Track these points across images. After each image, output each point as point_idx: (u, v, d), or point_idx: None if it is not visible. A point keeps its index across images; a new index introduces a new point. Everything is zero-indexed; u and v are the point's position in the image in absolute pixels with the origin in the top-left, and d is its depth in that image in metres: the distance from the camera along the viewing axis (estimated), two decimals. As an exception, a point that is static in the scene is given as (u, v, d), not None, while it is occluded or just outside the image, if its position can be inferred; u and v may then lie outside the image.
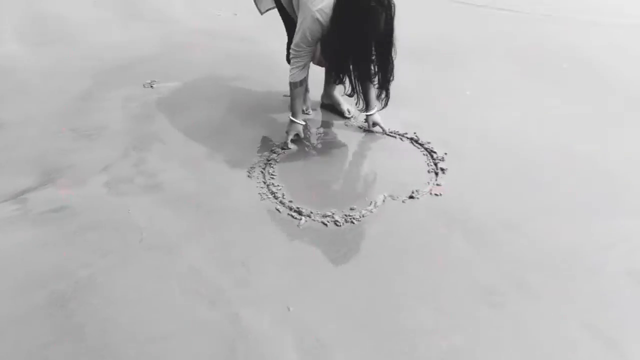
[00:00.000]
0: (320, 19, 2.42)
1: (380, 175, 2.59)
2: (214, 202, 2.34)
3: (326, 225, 2.24)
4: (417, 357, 1.67)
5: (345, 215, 2.29)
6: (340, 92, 2.96)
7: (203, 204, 2.33)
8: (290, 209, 2.33)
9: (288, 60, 2.97)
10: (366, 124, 2.93)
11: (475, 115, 3.11)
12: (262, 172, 2.57)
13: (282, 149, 2.75)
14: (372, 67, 2.52)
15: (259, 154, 2.71)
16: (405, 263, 2.04)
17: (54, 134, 2.79)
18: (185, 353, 1.66)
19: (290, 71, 2.67)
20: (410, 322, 1.79)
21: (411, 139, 2.87)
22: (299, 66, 2.63)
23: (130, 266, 1.99)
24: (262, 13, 2.96)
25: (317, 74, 3.00)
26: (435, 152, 2.74)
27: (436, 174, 2.58)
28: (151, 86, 3.33)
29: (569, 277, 2.00)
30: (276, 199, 2.39)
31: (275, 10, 2.85)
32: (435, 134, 2.88)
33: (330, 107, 3.14)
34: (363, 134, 2.92)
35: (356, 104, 2.79)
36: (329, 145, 2.81)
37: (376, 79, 2.58)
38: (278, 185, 2.48)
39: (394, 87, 2.63)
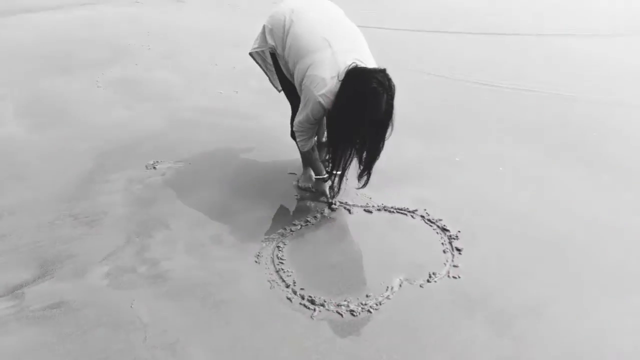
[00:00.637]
0: (323, 102, 2.44)
1: (394, 256, 2.49)
2: (221, 293, 2.22)
3: (341, 315, 2.11)
4: None
5: (361, 303, 2.17)
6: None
7: (209, 295, 2.21)
8: (302, 297, 2.21)
9: (292, 137, 2.96)
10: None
11: (483, 190, 3.05)
12: (270, 257, 2.46)
13: (330, 207, 2.84)
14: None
15: (267, 236, 2.61)
16: (428, 358, 1.90)
17: (53, 222, 2.69)
18: None
19: (298, 144, 2.75)
20: None
21: (422, 216, 2.79)
22: (306, 137, 2.69)
23: (133, 370, 1.84)
24: (279, 91, 2.98)
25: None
26: (448, 230, 2.65)
27: (452, 254, 2.48)
28: (154, 167, 3.27)
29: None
30: (287, 287, 2.27)
31: None
32: (446, 210, 2.81)
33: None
34: (371, 213, 2.83)
35: (331, 187, 2.88)
36: (337, 224, 2.73)
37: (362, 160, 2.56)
38: (288, 271, 2.36)
39: (399, 163, 2.59)
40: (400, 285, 2.28)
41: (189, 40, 6.26)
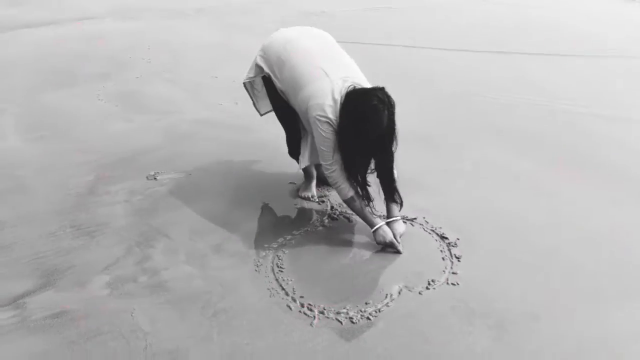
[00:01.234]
0: (330, 122, 2.47)
1: (393, 263, 2.50)
2: (221, 301, 2.23)
3: (341, 323, 2.12)
4: None
5: (361, 310, 2.18)
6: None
7: (210, 304, 2.22)
8: (302, 305, 2.22)
9: (291, 155, 3.01)
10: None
11: (482, 198, 3.07)
12: (270, 266, 2.48)
13: (400, 252, 2.55)
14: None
15: (267, 245, 2.63)
16: (428, 364, 1.91)
17: (54, 234, 2.71)
18: None
19: (339, 190, 2.60)
20: None
21: (421, 224, 2.81)
22: (343, 179, 2.57)
23: (134, 378, 1.85)
24: (261, 114, 3.07)
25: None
26: (447, 238, 2.67)
27: (451, 261, 2.50)
28: (155, 178, 3.30)
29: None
30: (287, 295, 2.28)
31: None
32: (444, 218, 2.83)
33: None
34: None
35: (367, 205, 2.64)
36: (337, 233, 2.74)
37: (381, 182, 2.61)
38: (287, 280, 2.38)
39: (400, 172, 2.62)
40: (399, 293, 2.29)
41: (189, 54, 6.34)
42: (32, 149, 3.78)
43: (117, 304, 2.22)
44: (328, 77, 2.52)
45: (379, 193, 2.65)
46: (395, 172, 2.60)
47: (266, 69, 2.76)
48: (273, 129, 3.74)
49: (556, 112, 4.43)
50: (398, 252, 2.55)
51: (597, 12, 8.66)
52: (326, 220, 2.86)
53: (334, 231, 2.77)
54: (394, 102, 2.39)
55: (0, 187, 3.22)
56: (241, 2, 9.51)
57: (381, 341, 2.03)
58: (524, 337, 2.04)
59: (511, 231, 2.74)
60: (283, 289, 2.32)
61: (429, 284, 2.34)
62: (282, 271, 2.44)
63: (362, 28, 7.51)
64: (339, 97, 2.46)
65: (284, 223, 2.85)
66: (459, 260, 2.50)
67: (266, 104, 3.04)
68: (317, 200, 3.06)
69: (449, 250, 2.58)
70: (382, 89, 2.40)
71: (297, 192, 3.13)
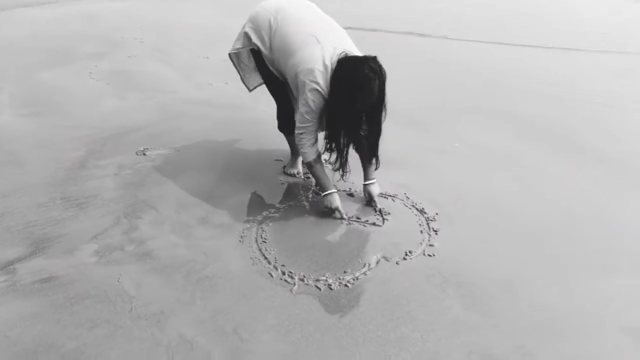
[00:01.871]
0: (321, 90, 2.49)
1: (372, 236, 2.59)
2: (204, 269, 2.32)
3: (320, 289, 2.20)
4: None
5: (339, 278, 2.26)
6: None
7: (194, 271, 2.30)
8: (283, 273, 2.30)
9: (280, 129, 3.05)
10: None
11: (464, 176, 3.15)
12: (254, 237, 2.56)
13: (344, 219, 2.69)
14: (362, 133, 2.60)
15: (251, 218, 2.71)
16: (401, 328, 2.00)
17: (44, 204, 2.78)
18: None
19: (302, 153, 2.70)
20: (408, 390, 1.74)
21: (401, 200, 2.89)
22: (310, 144, 2.66)
23: (120, 337, 1.93)
24: (250, 90, 3.08)
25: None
26: (426, 213, 2.75)
27: (429, 234, 2.58)
28: (144, 153, 3.36)
29: (568, 340, 1.97)
30: (269, 263, 2.37)
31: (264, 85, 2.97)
32: (425, 195, 2.91)
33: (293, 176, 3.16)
34: (353, 196, 2.93)
35: (342, 176, 2.74)
36: (319, 207, 2.81)
37: (366, 145, 2.65)
38: (270, 250, 2.46)
39: (383, 149, 2.69)
40: (377, 263, 2.38)
41: (181, 34, 6.37)
42: (25, 124, 3.83)
43: (104, 271, 2.30)
44: (319, 44, 2.52)
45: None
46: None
47: (254, 39, 2.74)
48: (261, 108, 3.81)
49: (549, 98, 4.50)
50: (343, 218, 2.69)
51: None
52: (311, 196, 2.94)
53: (317, 206, 2.84)
54: (385, 72, 2.40)
55: (-8, 160, 3.28)
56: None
57: (357, 306, 2.12)
58: (495, 306, 2.13)
59: (489, 208, 2.83)
60: (265, 258, 2.40)
61: (406, 254, 2.43)
62: (265, 242, 2.52)
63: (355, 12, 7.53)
64: (329, 64, 2.47)
65: (269, 198, 2.92)
66: (436, 234, 2.58)
67: (254, 79, 3.04)
68: (302, 177, 3.13)
69: (428, 224, 2.67)
70: (374, 58, 2.40)
71: (283, 168, 3.20)
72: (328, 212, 2.72)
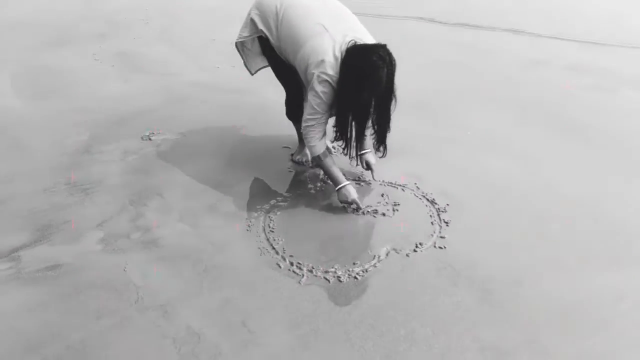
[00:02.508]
0: (331, 81, 2.44)
1: (382, 227, 2.54)
2: (212, 258, 2.28)
3: (329, 281, 2.17)
4: None
5: (348, 270, 2.23)
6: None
7: (201, 260, 2.27)
8: (291, 264, 2.26)
9: (288, 116, 3.00)
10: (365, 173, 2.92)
11: (475, 166, 3.09)
12: (262, 226, 2.52)
13: (359, 210, 2.62)
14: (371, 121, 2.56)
15: (259, 207, 2.66)
16: (411, 323, 1.97)
17: (49, 190, 2.74)
18: None
19: (310, 147, 2.63)
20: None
21: (412, 190, 2.83)
22: (318, 137, 2.59)
23: (125, 328, 1.91)
24: (252, 73, 3.01)
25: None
26: (437, 204, 2.70)
27: (440, 226, 2.54)
28: (149, 139, 3.31)
29: (581, 334, 1.94)
30: (277, 253, 2.33)
31: (268, 68, 2.91)
32: (436, 185, 2.85)
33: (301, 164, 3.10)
34: (362, 186, 2.88)
35: (350, 161, 2.81)
36: (328, 197, 2.77)
37: (374, 133, 2.62)
38: (278, 240, 2.42)
39: (393, 138, 2.63)
40: (387, 255, 2.34)
41: (187, 16, 6.26)
42: (28, 107, 3.78)
43: (110, 259, 2.27)
44: (328, 32, 2.46)
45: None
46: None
47: (261, 26, 2.67)
48: (269, 93, 3.74)
49: (555, 85, 4.41)
50: (359, 208, 2.61)
51: None
52: (319, 185, 2.89)
53: (325, 195, 2.80)
54: (395, 61, 2.35)
55: (-4, 144, 3.24)
56: (242, -35, 9.32)
57: (367, 299, 2.08)
58: (507, 299, 2.09)
59: (500, 198, 2.77)
60: (273, 248, 2.37)
61: (416, 246, 2.38)
62: (273, 231, 2.48)
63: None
64: (339, 54, 2.41)
65: (277, 186, 2.88)
66: (447, 225, 2.54)
67: (257, 62, 2.94)
68: (310, 164, 3.08)
69: (438, 215, 2.62)
70: (383, 46, 2.35)
71: (291, 156, 3.15)
72: (343, 205, 2.65)
